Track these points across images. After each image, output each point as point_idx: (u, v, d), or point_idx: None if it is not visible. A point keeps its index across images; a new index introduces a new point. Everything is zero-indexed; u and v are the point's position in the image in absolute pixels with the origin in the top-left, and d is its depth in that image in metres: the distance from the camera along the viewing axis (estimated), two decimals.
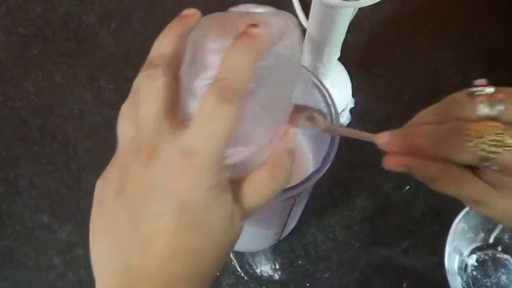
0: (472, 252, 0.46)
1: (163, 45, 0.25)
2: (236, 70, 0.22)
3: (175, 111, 0.23)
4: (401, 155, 0.28)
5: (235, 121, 0.22)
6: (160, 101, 0.23)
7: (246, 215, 0.25)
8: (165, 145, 0.23)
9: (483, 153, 0.24)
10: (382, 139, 0.29)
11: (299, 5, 0.54)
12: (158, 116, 0.23)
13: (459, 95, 0.27)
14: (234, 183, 0.24)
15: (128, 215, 0.23)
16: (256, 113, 0.24)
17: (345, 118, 0.52)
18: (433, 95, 0.55)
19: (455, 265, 0.44)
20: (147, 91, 0.24)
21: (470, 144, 0.24)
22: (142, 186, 0.23)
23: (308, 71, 0.36)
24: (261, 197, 0.24)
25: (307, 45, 0.45)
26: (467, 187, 0.26)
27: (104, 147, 0.50)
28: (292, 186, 0.33)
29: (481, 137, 0.24)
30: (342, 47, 0.46)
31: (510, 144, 0.24)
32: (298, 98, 0.38)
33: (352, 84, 0.52)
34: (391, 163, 0.28)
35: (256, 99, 0.24)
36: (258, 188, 0.24)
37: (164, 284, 0.22)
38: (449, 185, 0.27)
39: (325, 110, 0.35)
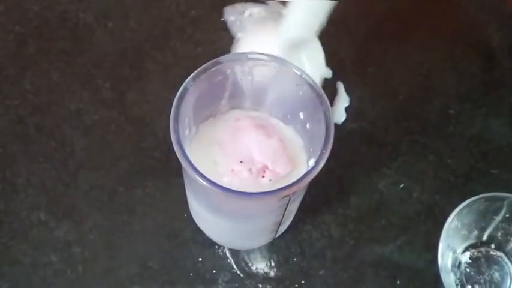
0: (466, 249, 0.46)
1: None
2: None
3: None
4: None
5: None
6: None
7: None
8: None
9: None
10: None
11: None
12: None
13: None
14: None
15: None
16: None
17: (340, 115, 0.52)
18: (428, 94, 0.56)
19: (449, 262, 0.44)
20: None
21: None
22: None
23: (300, 70, 0.37)
24: None
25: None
26: None
27: (101, 146, 0.50)
28: (286, 186, 0.33)
29: None
30: (337, 46, 0.46)
31: None
32: (293, 96, 0.38)
33: (347, 83, 0.53)
34: None
35: None
36: None
37: None
38: None
39: (321, 109, 0.36)
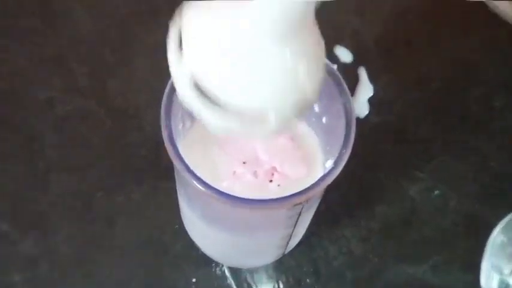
0: None
1: None
2: None
3: None
4: None
5: None
6: None
7: None
8: None
9: None
10: None
11: None
12: None
13: None
14: None
15: None
16: None
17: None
18: (467, 83, 0.55)
19: (494, 285, 0.43)
20: None
21: None
22: None
23: None
24: None
25: None
26: None
27: (76, 142, 0.49)
28: (298, 192, 0.32)
29: None
30: (359, 25, 0.45)
31: None
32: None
33: (371, 69, 0.52)
34: None
35: None
36: None
37: None
38: None
39: (340, 100, 0.35)
